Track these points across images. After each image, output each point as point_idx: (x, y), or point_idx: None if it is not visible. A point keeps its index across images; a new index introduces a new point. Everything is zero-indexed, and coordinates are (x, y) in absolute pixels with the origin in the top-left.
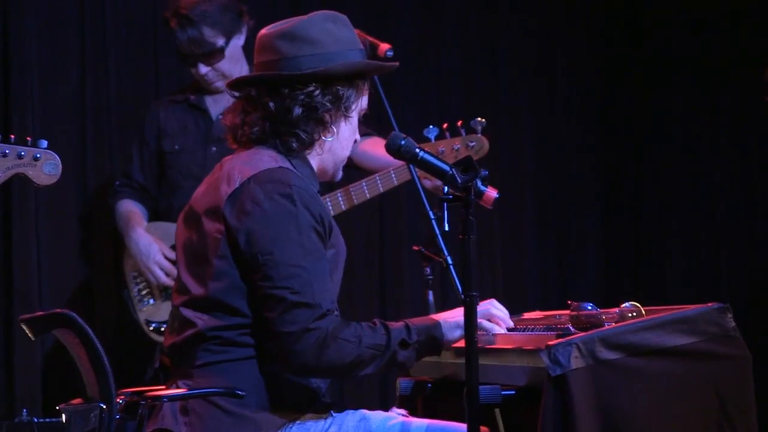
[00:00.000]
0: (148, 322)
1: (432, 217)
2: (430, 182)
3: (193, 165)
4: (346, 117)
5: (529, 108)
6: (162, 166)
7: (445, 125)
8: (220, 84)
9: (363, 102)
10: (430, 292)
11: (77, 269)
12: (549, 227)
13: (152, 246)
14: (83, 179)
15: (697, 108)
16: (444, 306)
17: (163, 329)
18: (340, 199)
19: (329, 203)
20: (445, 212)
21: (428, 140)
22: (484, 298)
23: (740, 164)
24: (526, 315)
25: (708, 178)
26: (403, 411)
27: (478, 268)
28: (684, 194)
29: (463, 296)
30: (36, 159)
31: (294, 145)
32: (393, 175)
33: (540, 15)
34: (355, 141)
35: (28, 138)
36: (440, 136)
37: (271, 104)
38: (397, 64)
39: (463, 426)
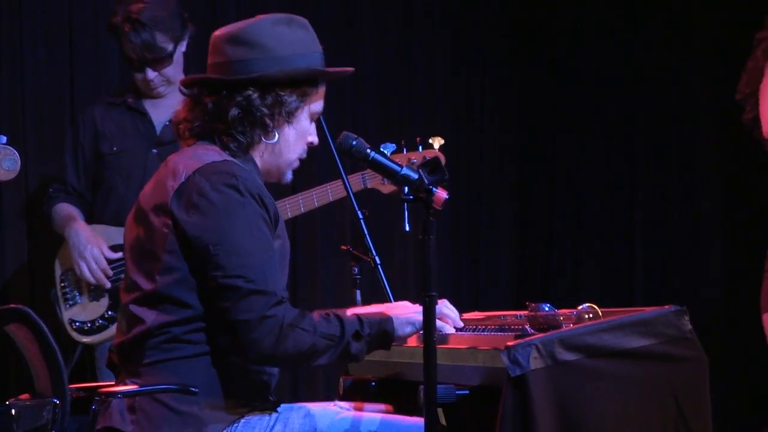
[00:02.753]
0: (72, 321)
1: (360, 216)
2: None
3: (134, 167)
4: (289, 121)
5: (445, 111)
6: (99, 168)
7: (402, 141)
8: (163, 89)
9: (315, 106)
10: (358, 292)
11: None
12: (461, 229)
13: (92, 240)
14: None
15: (612, 113)
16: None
17: (86, 328)
18: (287, 207)
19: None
20: (405, 213)
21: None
22: (397, 299)
23: (655, 172)
24: (465, 315)
25: (623, 185)
26: (346, 404)
27: (437, 268)
28: (598, 198)
29: (423, 296)
30: None
31: (232, 145)
32: (329, 191)
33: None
34: (312, 144)
35: None
36: (397, 151)
37: (210, 104)
38: (350, 70)
39: (418, 420)
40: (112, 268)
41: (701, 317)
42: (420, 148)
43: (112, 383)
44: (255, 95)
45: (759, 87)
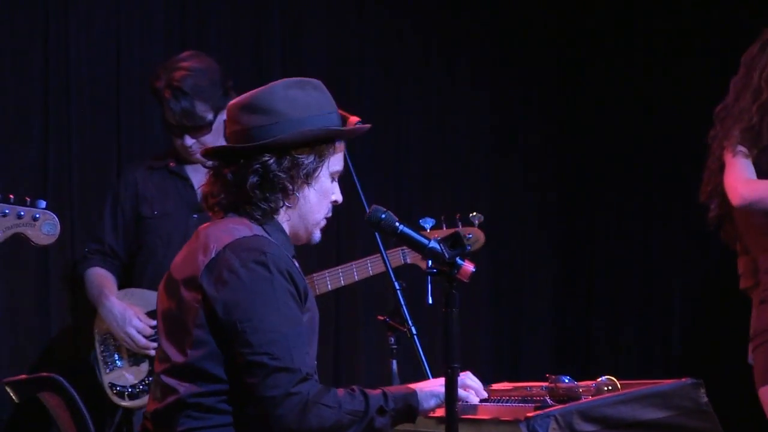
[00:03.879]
0: (113, 386)
1: (397, 287)
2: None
3: (174, 231)
4: (309, 183)
5: (483, 172)
6: (139, 231)
7: (443, 217)
8: (201, 155)
9: (333, 164)
10: (394, 362)
11: (35, 333)
12: (503, 299)
13: (127, 311)
14: None
15: (650, 174)
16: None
17: (127, 393)
18: (326, 279)
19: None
20: (429, 285)
21: (424, 230)
22: (432, 369)
23: (694, 232)
24: (495, 386)
25: (661, 249)
26: None
27: (460, 340)
28: (636, 266)
29: (446, 368)
30: (35, 219)
31: (256, 214)
32: (369, 265)
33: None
34: (336, 202)
35: (27, 198)
36: (436, 227)
37: (229, 175)
38: (365, 127)
39: None
40: (152, 335)
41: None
42: (460, 224)
43: None
44: (271, 160)
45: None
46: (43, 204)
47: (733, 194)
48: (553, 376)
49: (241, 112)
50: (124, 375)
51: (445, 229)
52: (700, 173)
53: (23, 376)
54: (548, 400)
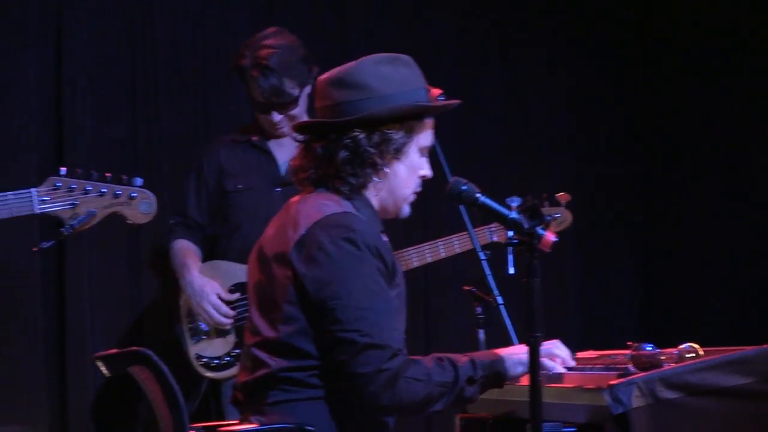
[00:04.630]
0: (199, 357)
1: (483, 258)
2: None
3: (258, 205)
4: (398, 158)
5: (565, 147)
6: (223, 205)
7: (529, 196)
8: (287, 129)
9: (423, 140)
10: (481, 331)
11: (127, 306)
12: (589, 271)
13: (206, 287)
14: None
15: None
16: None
17: (213, 364)
18: (412, 257)
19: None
20: (510, 256)
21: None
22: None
23: None
24: (580, 354)
25: (748, 220)
26: None
27: (542, 310)
28: (722, 234)
29: (528, 337)
30: (131, 198)
31: (344, 188)
32: (455, 243)
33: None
34: (425, 177)
35: (123, 176)
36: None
37: (319, 149)
38: (456, 102)
39: None
40: (234, 307)
41: None
42: (547, 204)
43: (233, 421)
44: (362, 135)
45: None
46: (140, 182)
47: None
48: (636, 344)
49: (331, 87)
50: (210, 346)
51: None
52: None
53: (114, 351)
54: (631, 368)
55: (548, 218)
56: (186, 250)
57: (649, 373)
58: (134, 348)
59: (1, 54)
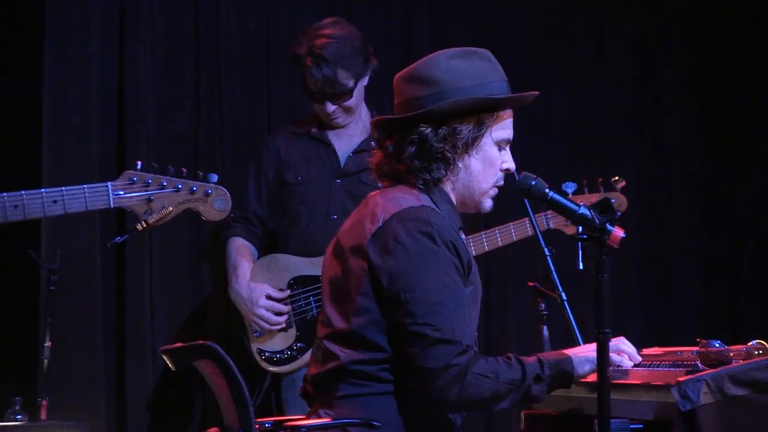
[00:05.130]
0: (261, 351)
1: (547, 254)
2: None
3: (318, 197)
4: (470, 152)
5: (633, 143)
6: (282, 197)
7: (584, 181)
8: (342, 120)
9: (498, 133)
10: (545, 328)
11: (188, 299)
12: (651, 265)
13: (254, 292)
14: None
15: None
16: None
17: (275, 359)
18: (470, 245)
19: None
20: (579, 251)
21: (566, 195)
22: (583, 335)
23: None
24: (645, 351)
25: None
26: None
27: (611, 305)
28: None
29: (596, 333)
30: (207, 194)
31: (419, 184)
32: (513, 231)
33: (644, 61)
34: (508, 170)
35: (199, 172)
36: (578, 191)
37: (390, 147)
38: (529, 94)
39: None
40: (293, 301)
41: None
42: (602, 189)
43: (298, 417)
44: (428, 130)
45: None
46: (215, 178)
47: None
48: (704, 341)
49: (404, 83)
50: (272, 340)
51: (587, 193)
52: None
53: (179, 344)
54: (699, 365)
55: (618, 214)
56: (238, 251)
57: (717, 369)
58: (201, 341)
59: (64, 47)
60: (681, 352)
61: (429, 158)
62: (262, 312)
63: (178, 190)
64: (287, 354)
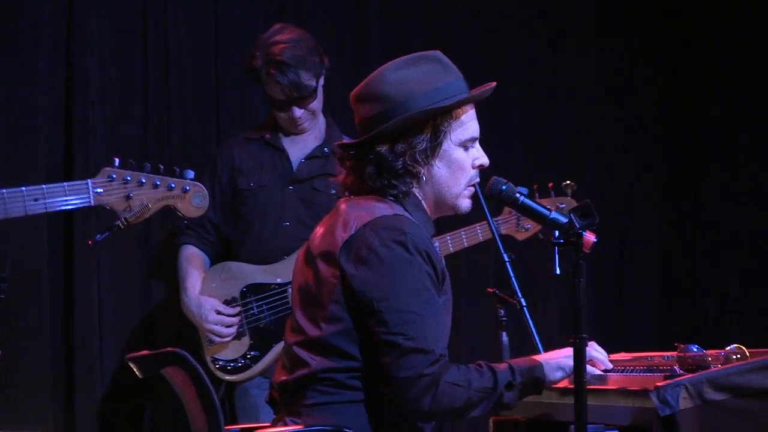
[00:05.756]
0: (215, 360)
1: (506, 260)
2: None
3: (270, 204)
4: (432, 161)
5: (588, 149)
6: (235, 204)
7: (535, 186)
8: (308, 124)
9: (459, 134)
10: (504, 334)
11: (138, 307)
12: (605, 269)
13: (203, 307)
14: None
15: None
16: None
17: (229, 367)
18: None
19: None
20: (556, 256)
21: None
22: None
23: None
24: (613, 356)
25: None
26: None
27: (587, 311)
28: (744, 237)
29: (573, 338)
30: (185, 191)
31: (389, 197)
32: (479, 231)
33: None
34: (481, 166)
35: (175, 168)
36: (529, 196)
37: (349, 167)
38: (490, 86)
39: None
40: (245, 309)
41: None
42: (552, 194)
43: (265, 424)
44: (383, 149)
45: None
46: (191, 174)
47: None
48: (682, 345)
49: (357, 103)
50: (225, 349)
51: (537, 198)
52: None
53: (146, 352)
54: (677, 370)
55: (598, 219)
56: (188, 261)
57: (696, 374)
58: (170, 349)
59: (12, 55)
60: (652, 357)
61: (390, 175)
62: (212, 327)
63: (156, 187)
64: (241, 363)
